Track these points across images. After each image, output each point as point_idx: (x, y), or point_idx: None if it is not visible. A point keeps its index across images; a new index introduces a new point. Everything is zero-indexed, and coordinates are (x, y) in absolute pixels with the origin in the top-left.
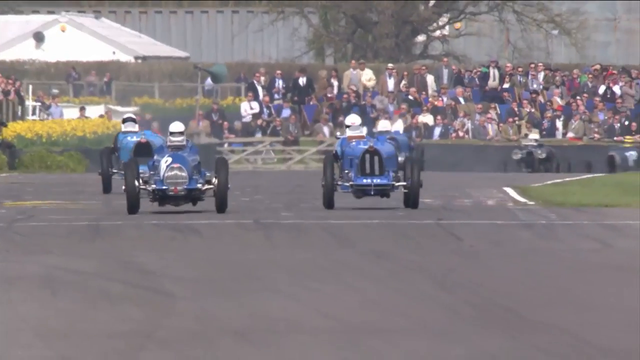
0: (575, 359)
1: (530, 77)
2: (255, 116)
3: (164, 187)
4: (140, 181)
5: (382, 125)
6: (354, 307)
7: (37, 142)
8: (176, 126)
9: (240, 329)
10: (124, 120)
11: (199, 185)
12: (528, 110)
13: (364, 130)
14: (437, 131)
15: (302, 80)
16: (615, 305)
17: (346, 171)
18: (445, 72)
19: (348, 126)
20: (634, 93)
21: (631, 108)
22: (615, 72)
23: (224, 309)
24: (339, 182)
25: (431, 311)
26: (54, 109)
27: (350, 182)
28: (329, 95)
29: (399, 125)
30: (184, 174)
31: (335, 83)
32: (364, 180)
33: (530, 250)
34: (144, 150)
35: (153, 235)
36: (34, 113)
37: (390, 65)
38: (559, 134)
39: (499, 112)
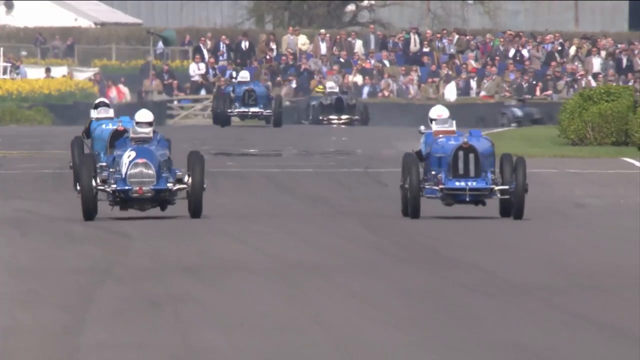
0: (482, 287)
1: (447, 42)
2: (202, 76)
3: (127, 187)
4: (98, 180)
5: (330, 85)
6: (293, 247)
7: (8, 98)
8: (144, 115)
9: (190, 266)
10: (96, 105)
11: (169, 185)
12: (445, 72)
13: (453, 124)
14: (366, 90)
15: (244, 44)
16: (522, 243)
17: (433, 172)
18: (372, 37)
19: (433, 119)
20: (540, 55)
21: (537, 69)
22: (524, 37)
23: (174, 248)
24: (425, 186)
25: (361, 250)
26: (22, 70)
27: (440, 186)
28: (268, 57)
29: (332, 84)
30: (151, 171)
31: (273, 47)
32: (457, 184)
33: None
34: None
35: None
36: (5, 73)
37: (322, 31)
38: (473, 93)
39: (419, 74)
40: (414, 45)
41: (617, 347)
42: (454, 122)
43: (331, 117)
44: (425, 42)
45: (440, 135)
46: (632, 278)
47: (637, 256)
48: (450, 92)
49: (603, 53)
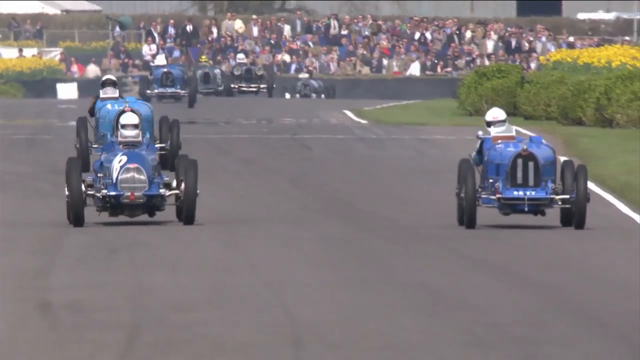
0: (392, 236)
1: (362, 25)
2: (153, 56)
3: (118, 193)
4: (85, 184)
5: (240, 57)
6: (230, 202)
7: None
8: (129, 117)
9: (141, 219)
10: (103, 84)
11: (162, 191)
12: (361, 51)
13: (512, 129)
14: (293, 67)
15: (189, 28)
16: (425, 198)
17: (490, 180)
18: (298, 22)
19: (490, 123)
20: (441, 38)
21: (439, 50)
22: (427, 22)
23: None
24: (482, 195)
25: (288, 204)
26: None
27: (497, 195)
28: (210, 39)
29: (241, 56)
30: (143, 176)
31: (214, 30)
32: (515, 193)
33: (363, 157)
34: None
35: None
36: None
37: (254, 16)
38: (384, 70)
39: (338, 53)
40: (334, 29)
41: (510, 288)
42: (514, 127)
43: (241, 85)
44: (344, 26)
45: (499, 141)
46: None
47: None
48: (415, 68)
49: (495, 36)
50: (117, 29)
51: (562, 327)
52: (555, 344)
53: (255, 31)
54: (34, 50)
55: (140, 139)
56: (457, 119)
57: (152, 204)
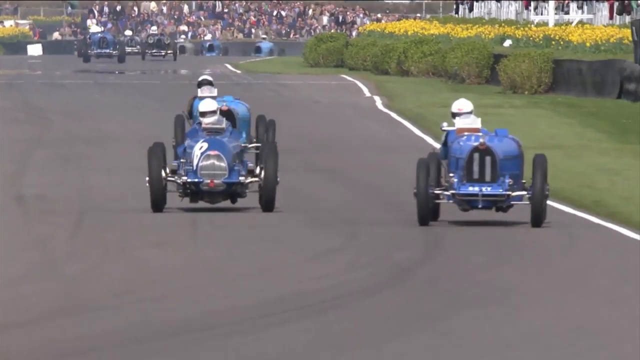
0: None
1: (238, 5)
2: (94, 28)
3: (198, 180)
4: (167, 171)
5: (152, 29)
6: (144, 124)
7: None
8: (207, 104)
9: (86, 139)
10: (200, 84)
11: (241, 179)
12: (237, 23)
13: (478, 121)
14: (189, 34)
15: (118, 8)
16: (283, 125)
17: (451, 175)
18: (194, 3)
19: (455, 114)
20: (292, 14)
21: (291, 22)
22: (282, 3)
23: (79, 127)
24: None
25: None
26: None
27: (452, 191)
28: (132, 15)
29: (154, 28)
30: (223, 164)
31: (136, 9)
32: (470, 189)
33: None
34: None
35: (45, 87)
36: None
37: None
38: (253, 36)
39: (221, 25)
40: (218, 8)
41: (344, 190)
42: (479, 119)
43: (153, 51)
44: (225, 6)
45: (464, 134)
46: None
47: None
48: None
49: (328, 14)
50: (69, 8)
51: (373, 211)
52: (369, 224)
53: (164, 9)
54: (12, 22)
55: (223, 125)
56: (302, 69)
57: (232, 191)
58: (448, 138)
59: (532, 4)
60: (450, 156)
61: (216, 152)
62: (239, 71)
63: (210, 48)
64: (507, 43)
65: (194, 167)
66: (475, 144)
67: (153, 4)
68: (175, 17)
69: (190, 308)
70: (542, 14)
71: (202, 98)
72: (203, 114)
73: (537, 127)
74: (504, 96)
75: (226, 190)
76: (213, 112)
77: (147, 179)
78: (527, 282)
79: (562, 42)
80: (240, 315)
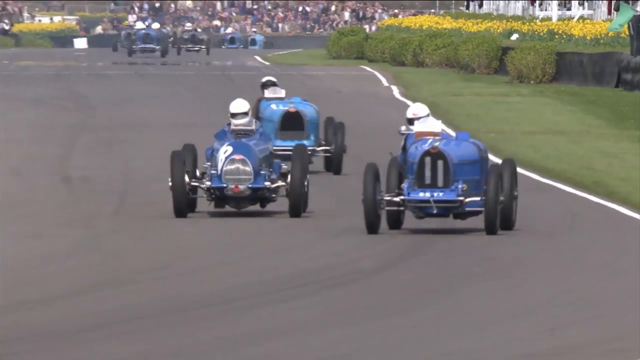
0: None
1: (267, 2)
2: (135, 22)
3: (222, 185)
4: (198, 174)
5: (187, 25)
6: (180, 111)
7: (30, 33)
8: (238, 105)
9: (127, 125)
10: (264, 85)
11: (267, 184)
12: (266, 19)
13: (437, 125)
14: (222, 29)
15: (157, 5)
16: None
17: (409, 180)
18: (226, 1)
19: (411, 120)
20: (316, 10)
21: (315, 17)
22: (307, 0)
23: (120, 114)
24: (390, 197)
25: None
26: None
27: (402, 197)
28: (170, 11)
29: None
30: (248, 168)
31: (172, 6)
32: (421, 194)
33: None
34: (293, 122)
35: (90, 77)
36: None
37: None
38: (280, 30)
39: (251, 20)
40: (249, 5)
41: None
42: (440, 121)
43: (189, 46)
44: (254, 2)
45: (422, 138)
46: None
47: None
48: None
49: (349, 10)
50: (113, 5)
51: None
52: None
53: (198, 6)
54: (60, 17)
55: (252, 127)
56: (325, 61)
57: (258, 196)
58: (407, 142)
59: (537, 1)
60: (407, 161)
61: (241, 157)
62: (267, 63)
63: (232, 41)
64: (514, 37)
65: (218, 172)
66: (427, 147)
67: (189, 2)
68: (209, 13)
69: (220, 281)
70: (546, 10)
71: (268, 99)
72: (233, 115)
73: (542, 114)
74: (511, 85)
75: (251, 196)
76: (244, 114)
77: (170, 184)
78: (529, 258)
79: (564, 36)
80: (260, 289)
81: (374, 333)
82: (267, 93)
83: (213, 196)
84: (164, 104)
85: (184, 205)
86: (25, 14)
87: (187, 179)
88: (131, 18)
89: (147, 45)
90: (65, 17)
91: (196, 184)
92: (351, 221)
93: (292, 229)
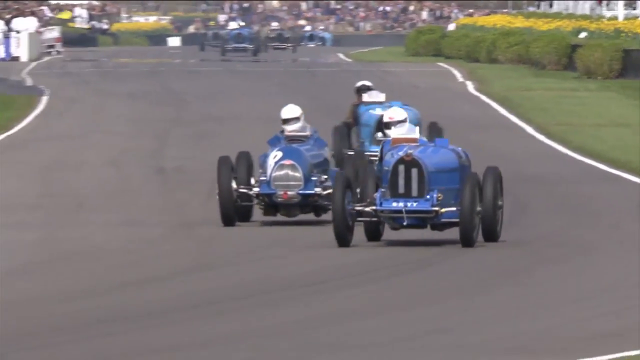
0: None
1: (349, 3)
2: (226, 22)
3: (271, 191)
4: (247, 181)
5: (274, 24)
6: (267, 105)
7: (127, 32)
8: (289, 111)
9: (217, 119)
10: (360, 90)
11: (318, 190)
12: (348, 18)
13: (414, 130)
14: (307, 27)
15: (245, 5)
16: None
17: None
18: (311, 2)
19: (388, 124)
20: (396, 10)
21: (394, 17)
22: (387, 0)
23: (211, 108)
24: (362, 208)
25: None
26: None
27: (372, 207)
28: (258, 11)
29: (275, 24)
30: (298, 174)
31: (260, 6)
32: (394, 205)
33: (345, 80)
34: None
35: (183, 73)
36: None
37: None
38: (361, 29)
39: (335, 19)
40: (332, 5)
41: None
42: (417, 127)
43: (275, 44)
44: (337, 2)
45: (402, 145)
46: None
47: None
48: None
49: (427, 9)
50: (205, 5)
51: None
52: None
53: (277, 5)
54: (155, 18)
55: (306, 132)
56: (404, 58)
57: (308, 203)
58: (384, 149)
59: (604, 2)
60: (383, 170)
61: (290, 162)
62: (349, 60)
63: (311, 38)
64: (583, 35)
65: (267, 178)
66: (402, 154)
67: (275, 2)
68: (295, 13)
69: (301, 266)
70: (613, 10)
71: (367, 103)
72: (285, 121)
73: (608, 108)
74: (579, 81)
75: (301, 203)
76: (296, 119)
77: (217, 191)
78: (599, 242)
79: (630, 34)
80: (347, 271)
81: (454, 312)
82: (366, 97)
83: (262, 203)
84: (252, 99)
85: (232, 212)
86: (123, 15)
87: (233, 185)
88: (221, 17)
89: (240, 45)
90: (160, 17)
91: (244, 190)
92: None
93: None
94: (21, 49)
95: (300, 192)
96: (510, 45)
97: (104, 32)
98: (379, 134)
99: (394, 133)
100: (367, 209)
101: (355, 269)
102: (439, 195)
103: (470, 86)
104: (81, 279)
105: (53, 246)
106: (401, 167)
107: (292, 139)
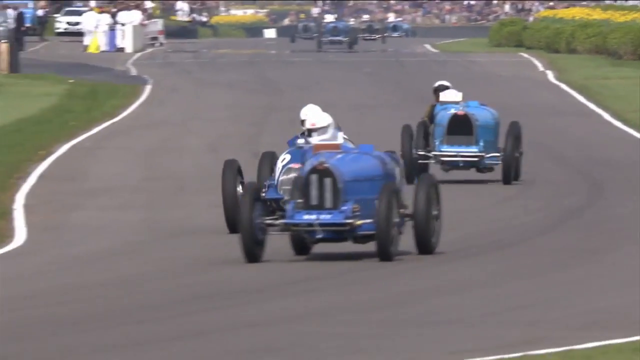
0: None
1: None
2: (319, 14)
3: (278, 197)
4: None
5: (365, 16)
6: (357, 93)
7: (226, 25)
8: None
9: None
10: (437, 90)
11: None
12: (435, 11)
13: (338, 135)
14: (394, 19)
15: None
16: (476, 97)
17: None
18: None
19: (310, 131)
20: (480, 3)
21: (478, 10)
22: None
23: (305, 96)
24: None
25: (390, 91)
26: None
27: (281, 220)
28: (350, 5)
29: (366, 16)
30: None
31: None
32: (305, 217)
33: (432, 70)
34: (461, 126)
35: (278, 64)
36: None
37: None
38: (447, 21)
39: (422, 12)
40: None
41: None
42: (341, 132)
43: (365, 35)
44: None
45: (321, 153)
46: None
47: None
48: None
49: (509, 2)
50: None
51: (544, 165)
52: (540, 175)
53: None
54: (252, 11)
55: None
56: (487, 49)
57: None
58: (306, 157)
59: None
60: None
61: (299, 165)
62: (436, 50)
63: (394, 29)
64: None
65: (275, 182)
66: (315, 163)
67: None
68: (385, 6)
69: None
70: None
71: (443, 103)
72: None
73: None
74: None
75: None
76: (324, 129)
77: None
78: None
79: None
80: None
81: (535, 289)
82: (443, 97)
83: (270, 208)
84: (343, 87)
85: (233, 215)
86: (222, 8)
87: (239, 188)
88: (314, 10)
89: (335, 38)
90: (256, 10)
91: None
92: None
93: (462, 196)
94: (126, 41)
95: None
96: (588, 36)
97: (203, 24)
98: (300, 141)
99: (314, 139)
100: (278, 222)
101: (445, 247)
102: (355, 206)
103: (550, 75)
104: (180, 258)
105: (155, 227)
106: (314, 177)
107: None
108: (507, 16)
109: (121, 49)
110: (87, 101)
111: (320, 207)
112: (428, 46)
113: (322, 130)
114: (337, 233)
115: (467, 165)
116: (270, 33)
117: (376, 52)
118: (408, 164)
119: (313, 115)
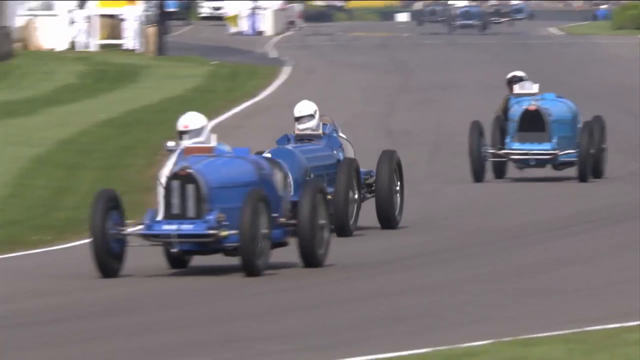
0: None
1: None
2: (459, 2)
3: None
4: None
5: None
6: (484, 74)
7: None
8: (302, 108)
9: (440, 86)
10: (511, 81)
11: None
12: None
13: (213, 139)
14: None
15: None
16: (595, 78)
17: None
18: None
19: (181, 133)
20: None
21: None
22: None
23: (435, 77)
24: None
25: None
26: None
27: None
28: None
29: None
30: (289, 179)
31: None
32: (165, 227)
33: (556, 51)
34: (533, 122)
35: (410, 46)
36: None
37: None
38: (573, 5)
39: None
40: None
41: None
42: (215, 135)
43: (494, 18)
44: None
45: (191, 156)
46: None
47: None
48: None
49: None
50: None
51: None
52: None
53: None
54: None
55: (319, 131)
56: (611, 31)
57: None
58: (177, 160)
59: None
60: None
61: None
62: (561, 33)
63: (518, 11)
64: None
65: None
66: (177, 169)
67: None
68: None
69: (518, 218)
70: None
71: (517, 96)
72: (298, 119)
73: None
74: None
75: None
76: (310, 117)
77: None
78: None
79: None
80: (560, 224)
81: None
82: (517, 89)
83: None
84: (471, 68)
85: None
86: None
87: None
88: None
89: (467, 22)
90: None
91: None
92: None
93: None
94: (266, 24)
95: (293, 199)
96: None
97: (339, 9)
98: (171, 143)
99: (186, 142)
100: (135, 232)
101: (542, 227)
102: (221, 215)
103: None
104: None
105: None
106: (175, 183)
107: (302, 139)
108: (631, 0)
109: (261, 32)
110: (229, 82)
111: (181, 217)
112: (551, 29)
113: (195, 132)
114: (200, 245)
115: (540, 163)
116: (402, 17)
117: (502, 35)
118: (475, 162)
119: (185, 117)
